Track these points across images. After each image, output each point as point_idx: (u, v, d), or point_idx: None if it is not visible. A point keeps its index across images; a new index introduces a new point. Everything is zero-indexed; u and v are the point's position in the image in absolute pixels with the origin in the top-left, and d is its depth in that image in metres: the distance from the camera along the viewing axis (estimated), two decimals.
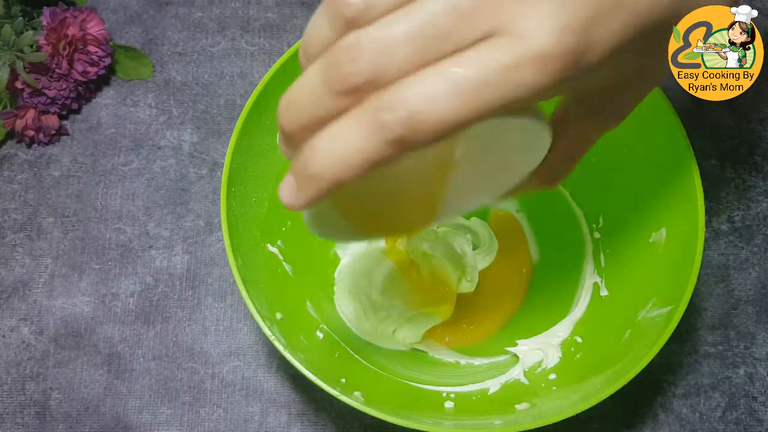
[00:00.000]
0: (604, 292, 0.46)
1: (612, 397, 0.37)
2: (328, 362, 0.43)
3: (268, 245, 0.45)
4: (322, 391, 0.37)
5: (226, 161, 0.41)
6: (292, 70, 0.44)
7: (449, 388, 0.45)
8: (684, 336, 0.50)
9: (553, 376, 0.43)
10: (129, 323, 0.50)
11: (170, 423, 0.48)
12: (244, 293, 0.38)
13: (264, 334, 0.38)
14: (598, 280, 0.47)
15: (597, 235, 0.49)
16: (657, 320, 0.40)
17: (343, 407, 0.38)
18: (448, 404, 0.43)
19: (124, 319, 0.50)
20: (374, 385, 0.43)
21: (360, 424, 0.48)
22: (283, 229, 0.47)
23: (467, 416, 0.42)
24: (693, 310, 0.51)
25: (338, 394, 0.37)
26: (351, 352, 0.45)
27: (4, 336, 0.50)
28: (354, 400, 0.37)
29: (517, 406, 0.40)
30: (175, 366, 0.49)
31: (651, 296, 0.41)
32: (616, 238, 0.47)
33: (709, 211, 0.53)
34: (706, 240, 0.52)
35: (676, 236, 0.42)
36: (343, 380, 0.40)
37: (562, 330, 0.46)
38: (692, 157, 0.41)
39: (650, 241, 0.43)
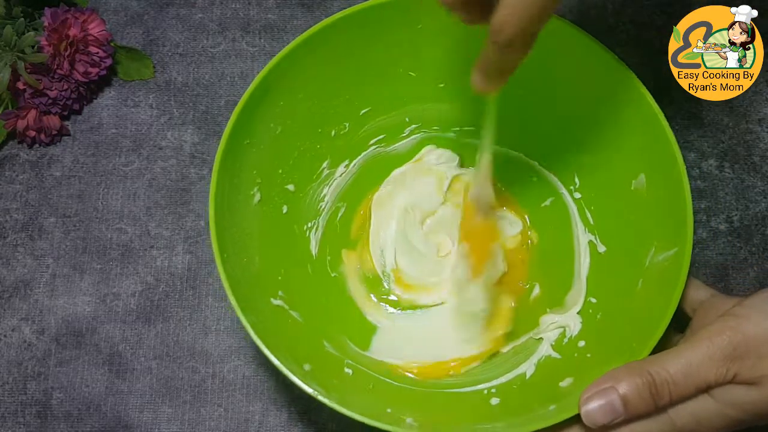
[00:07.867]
0: (601, 248, 0.46)
1: None
2: (368, 396, 0.42)
3: (271, 299, 0.44)
4: None
5: (211, 229, 0.41)
6: (290, 70, 0.44)
7: (488, 384, 0.44)
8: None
9: (582, 344, 0.43)
10: (130, 323, 0.50)
11: (171, 422, 0.48)
12: (272, 358, 0.38)
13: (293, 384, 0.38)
14: (592, 237, 0.47)
15: (577, 195, 0.48)
16: (666, 264, 0.40)
17: None
18: (494, 401, 0.42)
19: (125, 319, 0.50)
20: (421, 406, 0.43)
21: (361, 422, 0.48)
22: (279, 277, 0.46)
23: (516, 413, 0.40)
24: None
25: (396, 429, 0.36)
26: (385, 379, 0.44)
27: (5, 335, 0.50)
28: (410, 429, 0.36)
29: (561, 384, 0.40)
30: (176, 365, 0.49)
31: (651, 242, 0.41)
32: (597, 194, 0.47)
33: (707, 211, 0.53)
34: (704, 240, 0.52)
35: (657, 179, 0.42)
36: (389, 410, 0.39)
37: (573, 298, 0.46)
38: (650, 98, 0.40)
39: (632, 188, 0.43)
